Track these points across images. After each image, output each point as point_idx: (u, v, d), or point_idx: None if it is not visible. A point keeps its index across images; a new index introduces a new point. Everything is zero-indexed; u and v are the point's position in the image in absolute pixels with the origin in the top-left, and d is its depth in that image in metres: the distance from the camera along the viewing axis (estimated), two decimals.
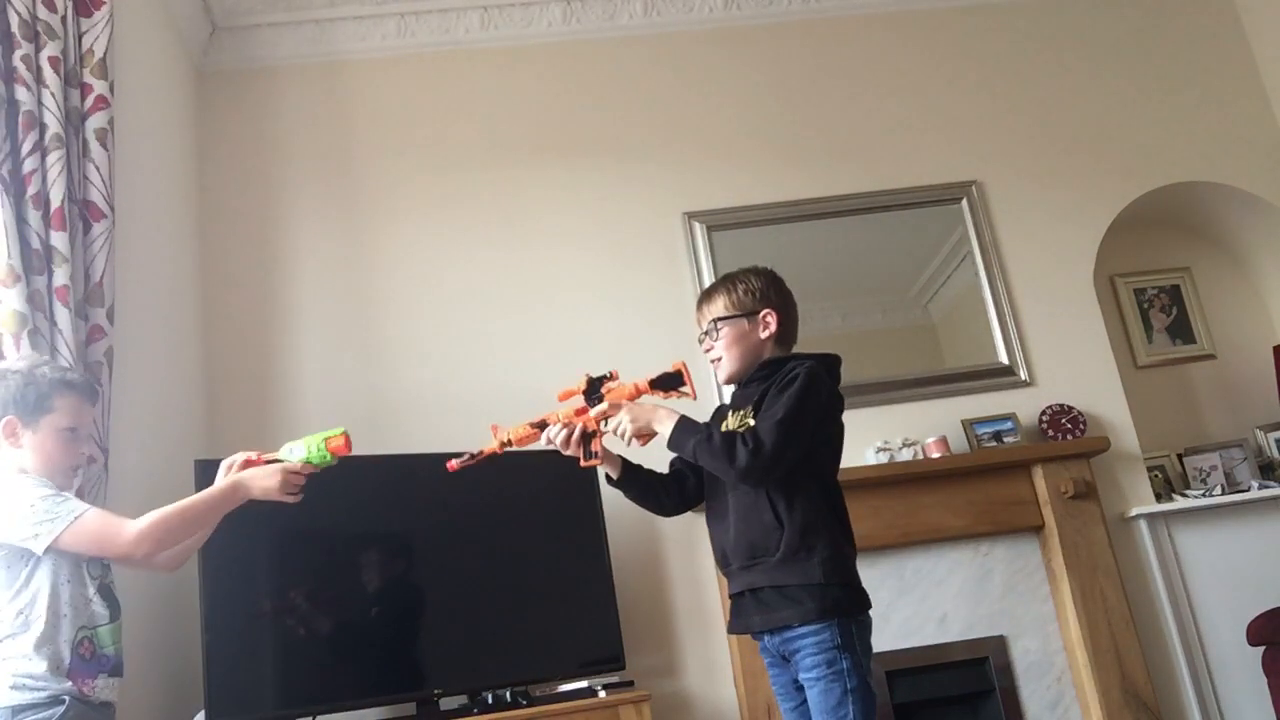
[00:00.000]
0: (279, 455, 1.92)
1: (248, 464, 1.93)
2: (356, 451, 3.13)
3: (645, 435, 1.97)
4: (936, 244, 3.80)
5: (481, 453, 2.04)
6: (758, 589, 1.92)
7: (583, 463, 2.02)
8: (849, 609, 1.88)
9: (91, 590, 1.84)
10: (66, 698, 1.73)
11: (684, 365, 2.01)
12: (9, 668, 1.72)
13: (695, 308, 2.16)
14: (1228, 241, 4.15)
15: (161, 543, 1.81)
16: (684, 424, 1.93)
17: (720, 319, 2.04)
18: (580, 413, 2.02)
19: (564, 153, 3.76)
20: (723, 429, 1.97)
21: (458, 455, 2.05)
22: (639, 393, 2.01)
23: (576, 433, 2.01)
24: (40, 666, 1.72)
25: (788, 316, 2.06)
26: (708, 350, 2.08)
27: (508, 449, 2.04)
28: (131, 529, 1.78)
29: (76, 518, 1.76)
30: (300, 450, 1.92)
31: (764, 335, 2.02)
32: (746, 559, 1.92)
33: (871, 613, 1.93)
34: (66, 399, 1.87)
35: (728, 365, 2.05)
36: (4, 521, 1.75)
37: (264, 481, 1.89)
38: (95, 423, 2.08)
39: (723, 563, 2.01)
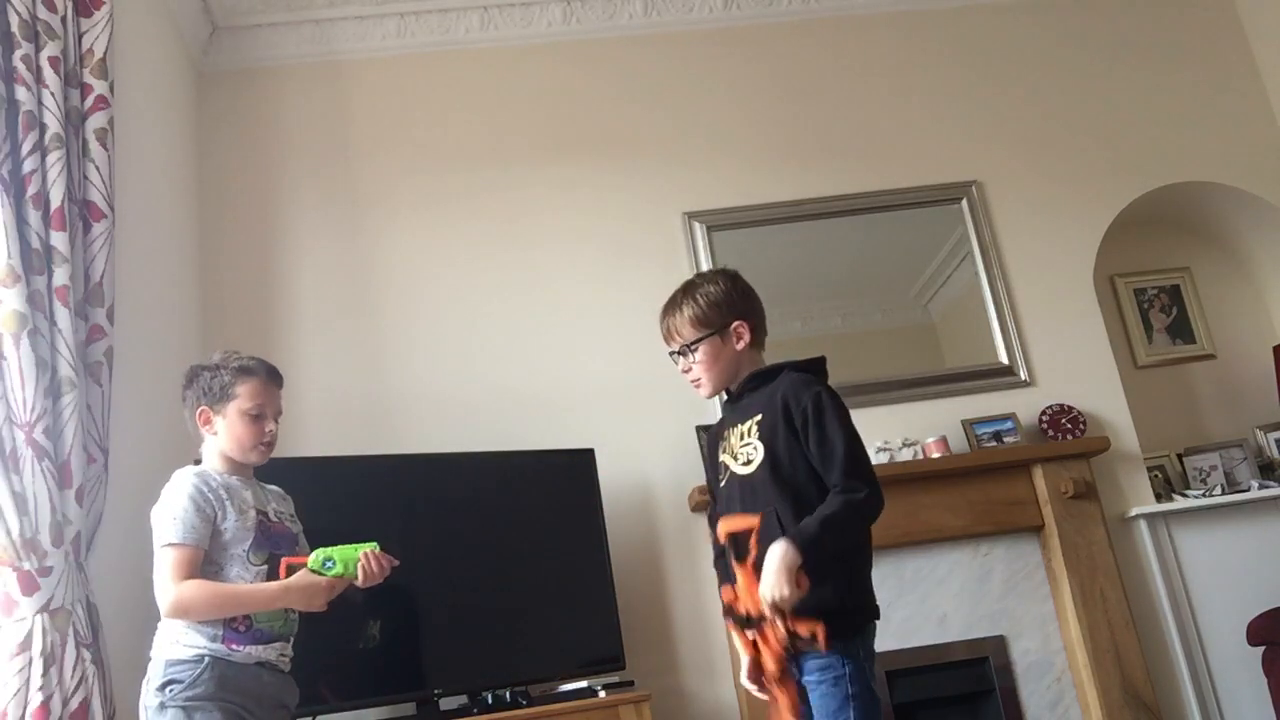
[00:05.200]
0: (310, 563, 1.98)
1: (287, 563, 1.99)
2: (357, 451, 3.18)
3: (799, 584, 1.73)
4: (936, 244, 3.80)
5: None
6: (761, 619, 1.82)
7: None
8: (860, 622, 1.87)
9: (250, 576, 1.99)
10: (207, 657, 1.91)
11: (726, 526, 1.80)
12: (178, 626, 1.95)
13: (660, 321, 2.04)
14: (1228, 241, 4.15)
15: (189, 615, 1.93)
16: (807, 542, 1.74)
17: (694, 342, 1.97)
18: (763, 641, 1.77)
19: (564, 152, 3.76)
20: (732, 454, 1.95)
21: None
22: (753, 581, 1.75)
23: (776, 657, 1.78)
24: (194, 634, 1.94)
25: (757, 320, 2.01)
26: (685, 371, 2.01)
27: None
28: (175, 594, 1.91)
29: (165, 545, 1.93)
30: (334, 565, 1.98)
31: (740, 347, 1.98)
32: None
33: None
34: (247, 384, 2.06)
35: (709, 384, 2.00)
36: (157, 508, 1.99)
37: (310, 592, 1.98)
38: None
39: None
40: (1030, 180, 3.84)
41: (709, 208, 3.70)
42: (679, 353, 2.00)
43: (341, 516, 2.93)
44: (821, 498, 1.85)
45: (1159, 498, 3.57)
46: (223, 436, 2.06)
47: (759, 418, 1.93)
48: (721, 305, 1.98)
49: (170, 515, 1.95)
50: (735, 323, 1.97)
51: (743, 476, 1.93)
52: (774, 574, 1.70)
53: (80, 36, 2.56)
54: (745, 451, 1.93)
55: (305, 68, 3.78)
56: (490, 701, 2.86)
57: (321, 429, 3.34)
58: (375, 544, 2.01)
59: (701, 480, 3.13)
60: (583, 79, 3.86)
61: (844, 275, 3.77)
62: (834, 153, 3.82)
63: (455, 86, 3.82)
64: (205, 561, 1.95)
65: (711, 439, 2.10)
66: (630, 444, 3.40)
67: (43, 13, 2.39)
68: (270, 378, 2.11)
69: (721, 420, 2.09)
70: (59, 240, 2.30)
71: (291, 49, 3.78)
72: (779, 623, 1.71)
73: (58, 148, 2.36)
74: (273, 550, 2.03)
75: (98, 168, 2.51)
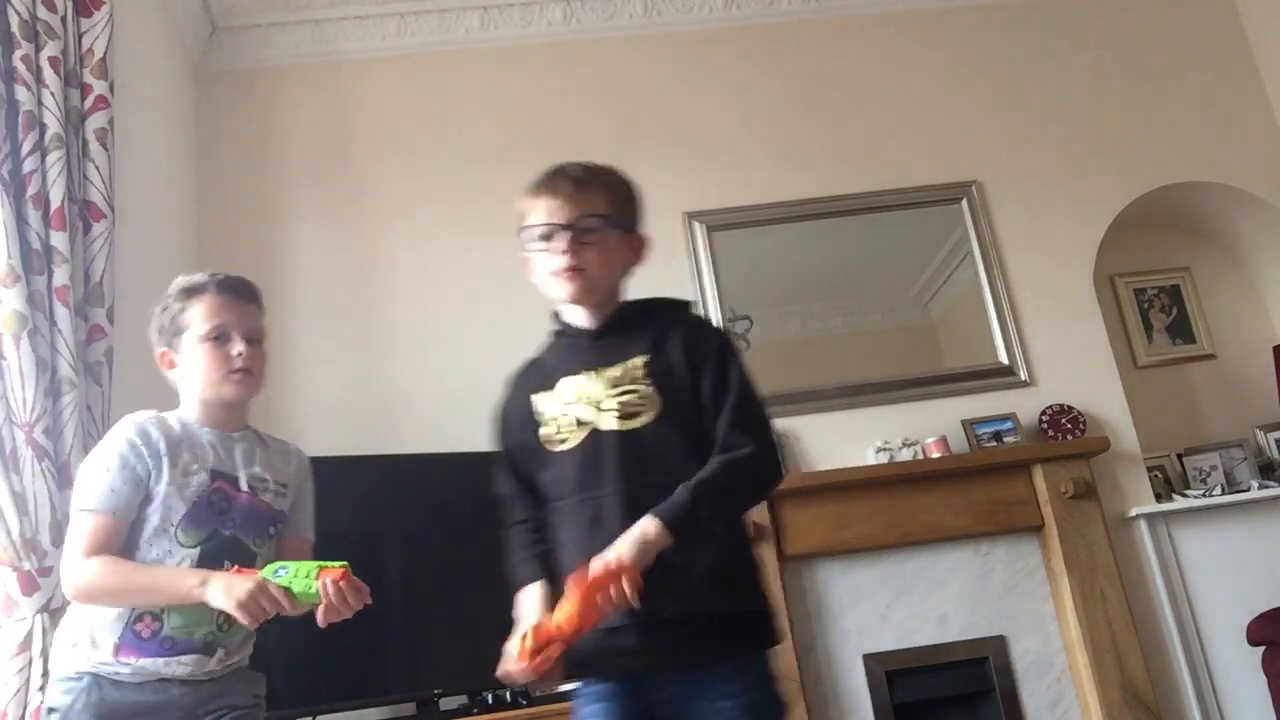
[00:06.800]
0: (263, 572, 1.63)
1: (237, 570, 1.65)
2: (356, 451, 3.17)
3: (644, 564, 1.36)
4: (936, 244, 3.80)
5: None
6: (663, 620, 1.39)
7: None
8: (775, 630, 1.49)
9: (176, 560, 1.65)
10: (86, 676, 1.61)
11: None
12: (71, 632, 1.67)
13: (542, 188, 1.64)
14: (1228, 241, 4.15)
15: (93, 599, 1.62)
16: (675, 521, 1.37)
17: (604, 216, 1.54)
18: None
19: (564, 153, 3.69)
20: (593, 405, 1.49)
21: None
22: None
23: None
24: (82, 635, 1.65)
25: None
26: (564, 252, 1.54)
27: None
28: (78, 573, 1.60)
29: (82, 511, 1.62)
30: (287, 573, 1.62)
31: (632, 264, 1.60)
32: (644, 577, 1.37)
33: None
34: (195, 306, 1.73)
35: (589, 282, 1.54)
36: (84, 464, 1.69)
37: (234, 585, 1.58)
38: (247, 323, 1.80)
39: None
40: (1030, 180, 3.84)
41: (709, 208, 3.70)
42: (570, 226, 1.54)
43: (342, 516, 2.93)
44: None
45: (1159, 498, 3.57)
46: (188, 376, 1.73)
47: (643, 360, 1.50)
48: (638, 207, 1.63)
49: (91, 474, 1.62)
50: (640, 235, 1.60)
51: (624, 433, 1.46)
52: (627, 564, 1.32)
53: (80, 36, 2.56)
54: (626, 402, 1.48)
55: (305, 68, 3.78)
56: (490, 701, 2.87)
57: (321, 429, 3.34)
58: (346, 563, 1.66)
59: None
60: (582, 79, 3.86)
61: (844, 275, 3.76)
62: (834, 153, 3.82)
63: (455, 86, 3.82)
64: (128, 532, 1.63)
65: (524, 389, 1.63)
66: None
67: (43, 13, 2.39)
68: (226, 291, 1.74)
69: (551, 364, 1.62)
70: (59, 240, 2.30)
71: (291, 49, 3.78)
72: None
73: (58, 148, 2.36)
74: (217, 528, 1.68)
75: (98, 168, 2.51)
